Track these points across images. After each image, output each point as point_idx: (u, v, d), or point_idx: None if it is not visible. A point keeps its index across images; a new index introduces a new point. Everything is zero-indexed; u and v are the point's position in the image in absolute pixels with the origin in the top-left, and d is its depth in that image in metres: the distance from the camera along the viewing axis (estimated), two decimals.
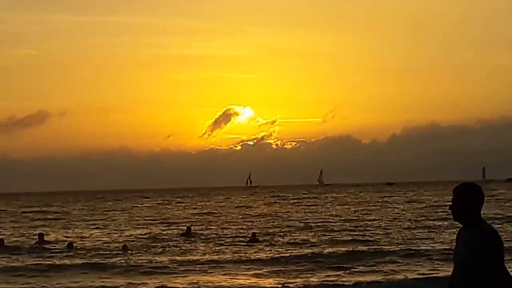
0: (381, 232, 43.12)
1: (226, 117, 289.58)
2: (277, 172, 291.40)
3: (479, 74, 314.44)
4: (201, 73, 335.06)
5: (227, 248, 36.23)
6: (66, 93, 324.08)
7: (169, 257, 32.68)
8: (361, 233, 43.13)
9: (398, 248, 33.68)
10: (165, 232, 47.83)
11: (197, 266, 29.67)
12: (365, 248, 34.46)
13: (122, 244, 38.04)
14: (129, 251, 35.53)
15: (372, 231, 44.04)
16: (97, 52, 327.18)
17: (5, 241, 40.03)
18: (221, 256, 32.97)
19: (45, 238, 41.33)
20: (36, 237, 41.76)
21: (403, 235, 41.20)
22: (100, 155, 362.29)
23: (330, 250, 34.06)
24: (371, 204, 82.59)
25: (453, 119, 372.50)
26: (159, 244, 39.07)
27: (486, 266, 6.33)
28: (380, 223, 50.95)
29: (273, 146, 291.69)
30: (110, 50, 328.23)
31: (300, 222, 53.48)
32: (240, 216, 66.21)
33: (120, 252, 35.42)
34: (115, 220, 64.90)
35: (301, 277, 25.92)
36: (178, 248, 36.84)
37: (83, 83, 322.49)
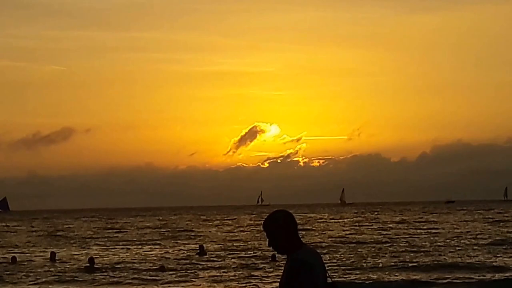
0: None
1: (252, 134, 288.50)
2: (304, 190, 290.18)
3: (509, 93, 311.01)
4: (227, 90, 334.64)
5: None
6: (91, 110, 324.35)
7: None
8: None
9: None
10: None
11: None
12: None
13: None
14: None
15: None
16: (123, 69, 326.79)
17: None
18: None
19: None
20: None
21: None
22: (125, 172, 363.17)
23: None
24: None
25: (483, 138, 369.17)
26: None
27: None
28: None
29: (301, 163, 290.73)
30: (136, 67, 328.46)
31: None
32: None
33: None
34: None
35: None
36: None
37: (108, 100, 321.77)
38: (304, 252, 5.91)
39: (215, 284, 28.01)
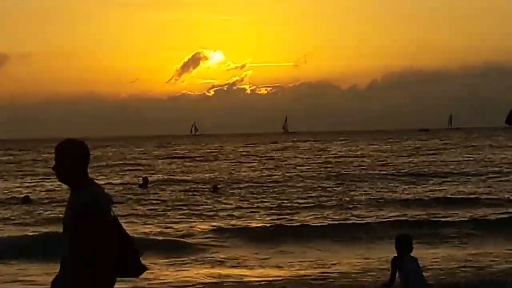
0: None
1: (195, 61, 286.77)
2: (250, 119, 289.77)
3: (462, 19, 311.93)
4: (168, 15, 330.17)
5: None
6: (27, 36, 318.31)
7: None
8: None
9: None
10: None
11: None
12: None
13: None
14: None
15: None
16: None
17: None
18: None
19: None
20: None
21: None
22: (64, 101, 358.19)
23: None
24: None
25: (435, 64, 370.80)
26: None
27: (84, 234, 5.65)
28: None
29: (248, 91, 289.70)
30: None
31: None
32: None
33: None
34: None
35: None
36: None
37: (45, 25, 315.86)
38: (95, 187, 5.86)
39: (154, 217, 28.23)
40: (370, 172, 48.39)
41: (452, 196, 32.42)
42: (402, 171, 48.30)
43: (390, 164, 56.06)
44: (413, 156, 67.46)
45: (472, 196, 32.44)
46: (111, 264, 5.76)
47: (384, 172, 48.03)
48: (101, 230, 5.69)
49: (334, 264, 17.33)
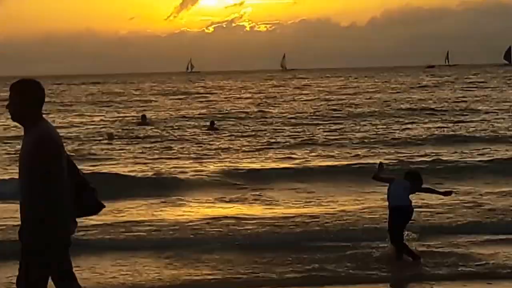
0: None
1: None
2: (250, 56, 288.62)
3: None
4: None
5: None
6: None
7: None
8: None
9: None
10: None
11: None
12: None
13: None
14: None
15: None
16: None
17: None
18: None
19: None
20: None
21: None
22: (63, 38, 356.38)
23: None
24: None
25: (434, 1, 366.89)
26: None
27: (43, 177, 5.69)
28: None
29: (247, 28, 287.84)
30: None
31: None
32: None
33: None
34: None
35: None
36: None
37: None
38: (48, 124, 5.91)
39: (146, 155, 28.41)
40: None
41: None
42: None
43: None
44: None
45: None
46: (66, 197, 5.80)
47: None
48: (55, 164, 5.75)
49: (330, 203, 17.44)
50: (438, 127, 35.83)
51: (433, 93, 68.18)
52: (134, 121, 43.16)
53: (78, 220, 6.04)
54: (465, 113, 43.96)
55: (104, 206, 6.15)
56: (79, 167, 6.18)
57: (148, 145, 30.89)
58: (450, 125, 37.11)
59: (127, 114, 50.32)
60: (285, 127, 37.98)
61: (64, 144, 6.11)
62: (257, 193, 18.89)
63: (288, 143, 30.65)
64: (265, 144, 30.79)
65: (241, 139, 32.85)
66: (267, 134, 34.76)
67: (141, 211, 16.66)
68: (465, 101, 54.16)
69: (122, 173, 22.34)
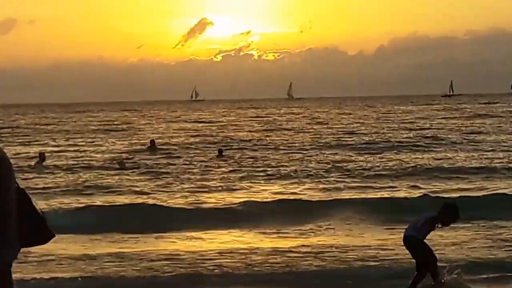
0: None
1: (201, 26, 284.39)
2: (257, 85, 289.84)
3: None
4: None
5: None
6: (36, 0, 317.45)
7: None
8: None
9: None
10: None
11: None
12: None
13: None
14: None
15: None
16: None
17: None
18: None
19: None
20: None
21: None
22: (73, 66, 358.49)
23: None
24: None
25: (441, 30, 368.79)
26: None
27: None
28: None
29: (255, 57, 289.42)
30: None
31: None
32: None
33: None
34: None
35: None
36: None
37: None
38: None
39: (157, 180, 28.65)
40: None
41: None
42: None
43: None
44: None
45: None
46: (11, 223, 5.60)
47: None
48: (5, 189, 5.55)
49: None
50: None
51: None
52: (144, 147, 43.51)
53: None
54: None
55: (54, 235, 5.91)
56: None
57: (165, 176, 30.17)
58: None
59: (135, 141, 50.79)
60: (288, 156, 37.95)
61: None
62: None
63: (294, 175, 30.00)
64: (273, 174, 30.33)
65: (257, 168, 32.64)
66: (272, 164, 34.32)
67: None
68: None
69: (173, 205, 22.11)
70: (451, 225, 12.11)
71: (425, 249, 11.62)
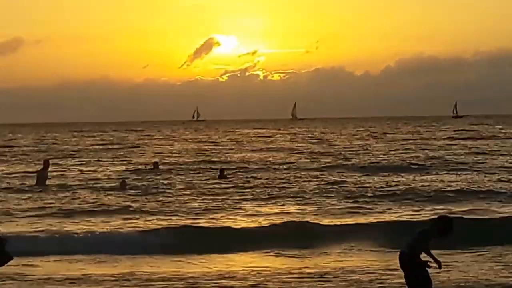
0: None
1: (207, 46, 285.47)
2: (263, 105, 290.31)
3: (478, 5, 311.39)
4: (181, 0, 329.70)
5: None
6: (42, 20, 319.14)
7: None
8: None
9: None
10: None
11: None
12: None
13: None
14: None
15: None
16: None
17: None
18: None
19: None
20: None
21: None
22: (79, 86, 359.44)
23: None
24: None
25: (449, 51, 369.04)
26: None
27: None
28: None
29: (261, 77, 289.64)
30: None
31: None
32: None
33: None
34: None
35: None
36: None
37: (59, 10, 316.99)
38: None
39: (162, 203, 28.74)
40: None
41: None
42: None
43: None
44: None
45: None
46: None
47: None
48: None
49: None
50: None
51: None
52: (147, 168, 43.76)
53: None
54: None
55: (11, 258, 6.07)
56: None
57: (167, 195, 30.46)
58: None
59: (139, 161, 51.09)
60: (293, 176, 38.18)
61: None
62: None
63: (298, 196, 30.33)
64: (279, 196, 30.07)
65: (258, 189, 32.70)
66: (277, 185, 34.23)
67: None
68: None
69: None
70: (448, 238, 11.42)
71: (418, 267, 11.04)
